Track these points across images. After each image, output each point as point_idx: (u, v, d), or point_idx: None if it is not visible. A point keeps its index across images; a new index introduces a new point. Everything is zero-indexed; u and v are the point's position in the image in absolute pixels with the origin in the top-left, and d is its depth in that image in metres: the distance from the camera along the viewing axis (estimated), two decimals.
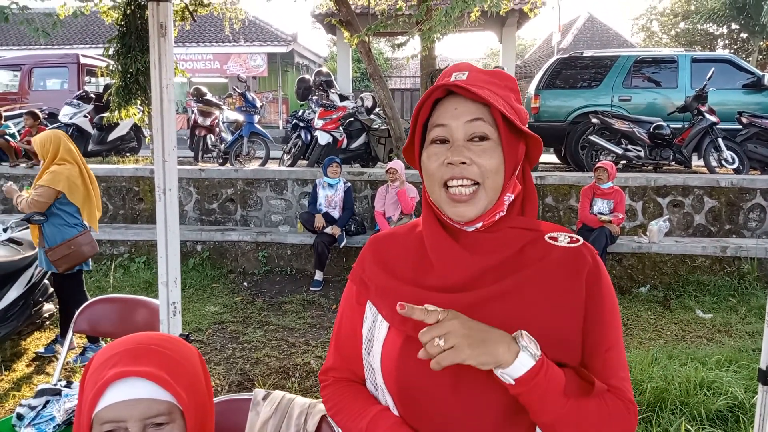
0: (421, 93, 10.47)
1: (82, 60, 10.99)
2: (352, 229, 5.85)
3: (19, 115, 8.77)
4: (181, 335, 2.13)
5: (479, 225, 0.93)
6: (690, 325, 4.60)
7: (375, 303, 0.99)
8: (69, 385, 2.31)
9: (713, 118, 6.91)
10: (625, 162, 7.29)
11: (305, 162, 7.88)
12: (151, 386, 0.89)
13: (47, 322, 4.39)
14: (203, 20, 16.82)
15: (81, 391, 0.94)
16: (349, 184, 5.93)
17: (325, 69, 9.12)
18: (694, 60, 8.09)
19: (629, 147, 7.23)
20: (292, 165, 7.81)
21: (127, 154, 9.75)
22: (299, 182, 6.50)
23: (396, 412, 0.95)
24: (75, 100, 9.03)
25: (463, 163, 0.89)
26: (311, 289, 5.47)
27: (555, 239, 0.95)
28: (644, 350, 3.81)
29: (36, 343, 4.16)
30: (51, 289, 4.26)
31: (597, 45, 20.01)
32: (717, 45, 22.09)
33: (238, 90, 8.84)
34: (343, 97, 8.31)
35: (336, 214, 5.75)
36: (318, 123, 7.51)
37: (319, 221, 5.56)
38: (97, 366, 0.92)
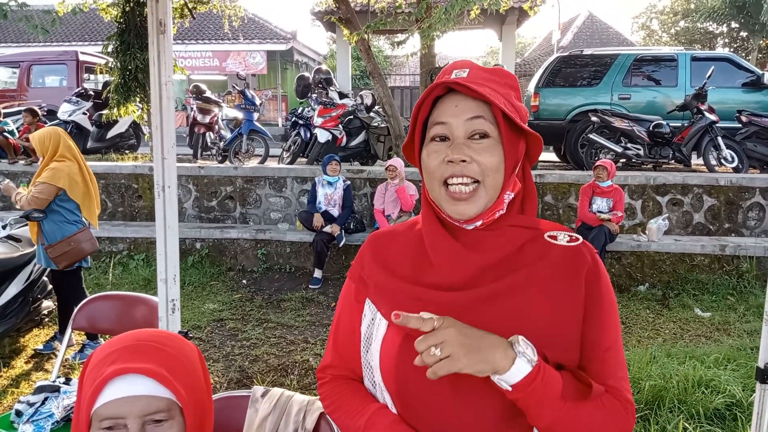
0: (420, 91, 10.46)
1: (81, 57, 10.96)
2: (352, 227, 5.85)
3: (18, 112, 8.76)
4: (180, 332, 2.13)
5: (479, 223, 0.93)
6: (688, 324, 4.61)
7: (374, 301, 0.99)
8: (68, 381, 2.32)
9: (713, 117, 6.91)
10: (624, 160, 7.29)
11: (304, 160, 7.88)
12: (151, 383, 0.89)
13: (46, 319, 4.39)
14: (202, 17, 16.80)
15: (80, 388, 0.94)
16: (349, 182, 5.92)
17: (324, 67, 9.11)
18: (694, 58, 8.09)
19: (629, 145, 7.24)
20: (291, 163, 7.81)
21: (126, 152, 9.74)
22: (298, 180, 6.50)
23: (394, 410, 0.95)
24: (74, 98, 9.03)
25: (464, 161, 0.89)
26: (310, 286, 5.48)
27: (554, 238, 0.95)
28: (643, 348, 3.82)
29: (35, 340, 4.16)
30: (50, 286, 4.25)
31: (597, 43, 20.02)
32: (717, 43, 22.09)
33: (237, 87, 8.84)
34: (342, 95, 8.30)
35: (335, 212, 5.74)
36: (317, 121, 7.51)
37: (317, 220, 5.56)
38: (96, 363, 0.92)
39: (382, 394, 0.97)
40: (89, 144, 9.09)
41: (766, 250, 5.47)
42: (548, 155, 10.09)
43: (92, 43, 16.82)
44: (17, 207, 3.72)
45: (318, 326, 4.53)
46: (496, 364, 0.80)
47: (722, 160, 6.92)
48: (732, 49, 20.87)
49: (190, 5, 7.48)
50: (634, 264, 5.66)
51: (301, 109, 8.53)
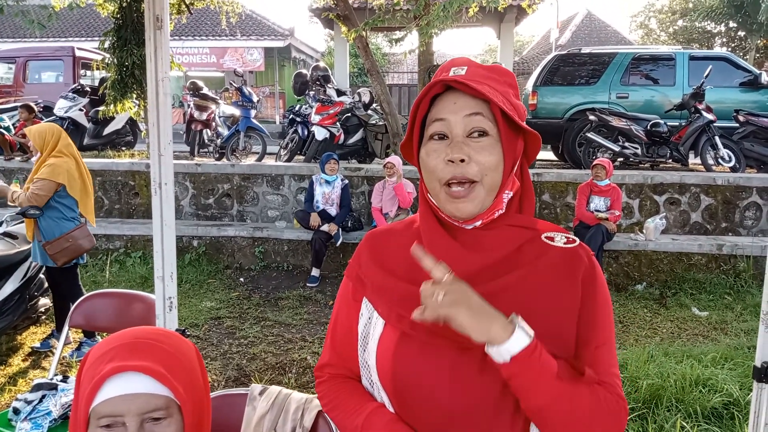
0: (418, 89, 10.45)
1: (78, 53, 10.93)
2: (349, 225, 5.84)
3: (14, 108, 8.72)
4: (177, 330, 2.12)
5: (478, 223, 0.93)
6: (686, 323, 4.62)
7: (371, 300, 0.99)
8: (65, 379, 2.31)
9: (710, 116, 6.93)
10: (622, 159, 7.30)
11: (302, 157, 7.87)
12: (149, 381, 0.89)
13: (43, 317, 4.38)
14: (200, 14, 16.75)
15: (77, 386, 0.94)
16: (347, 181, 5.91)
17: (322, 64, 9.10)
18: (692, 58, 8.11)
19: (626, 144, 7.25)
20: (288, 160, 7.80)
21: (123, 148, 9.71)
22: (296, 178, 6.49)
23: (391, 409, 0.95)
24: (70, 94, 8.99)
25: (462, 160, 0.88)
26: (308, 285, 5.47)
27: (552, 239, 0.95)
28: (640, 347, 3.83)
29: (32, 337, 4.15)
30: (46, 284, 4.24)
31: (595, 42, 20.03)
32: (715, 43, 22.12)
33: (234, 84, 8.81)
34: (340, 93, 8.30)
35: (333, 211, 5.73)
36: (315, 118, 7.50)
37: (314, 220, 5.54)
38: (94, 360, 0.91)
39: (379, 393, 0.97)
40: (86, 140, 9.06)
41: (763, 249, 5.49)
42: (546, 154, 10.09)
43: (89, 39, 16.73)
44: (12, 205, 3.69)
45: (316, 324, 4.52)
46: (493, 332, 0.80)
47: (719, 160, 6.93)
48: (730, 49, 20.91)
49: (188, 1, 7.45)
50: (632, 263, 5.67)
51: (298, 106, 8.51)
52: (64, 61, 10.83)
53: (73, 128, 8.70)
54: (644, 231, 5.79)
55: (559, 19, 20.52)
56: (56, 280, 3.83)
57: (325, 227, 5.53)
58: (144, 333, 0.96)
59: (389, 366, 0.92)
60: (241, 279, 5.69)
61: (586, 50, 8.73)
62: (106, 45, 7.12)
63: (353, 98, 8.18)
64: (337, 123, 7.62)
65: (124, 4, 6.82)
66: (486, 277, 0.91)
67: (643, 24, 24.60)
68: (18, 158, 7.03)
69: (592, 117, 7.37)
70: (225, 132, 8.71)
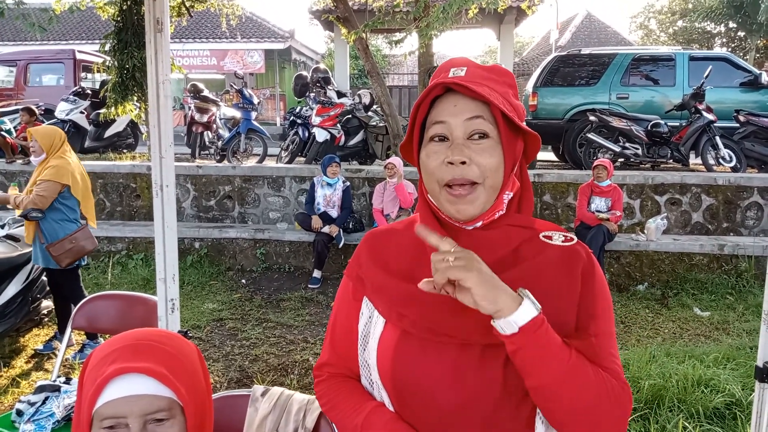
0: (419, 90, 10.46)
1: (79, 56, 10.94)
2: (350, 226, 5.85)
3: (15, 111, 8.73)
4: (179, 332, 2.13)
5: (479, 224, 0.93)
6: (688, 323, 4.61)
7: (371, 299, 0.99)
8: (68, 381, 2.31)
9: (711, 116, 6.92)
10: (622, 160, 7.30)
11: (303, 159, 7.87)
12: (152, 382, 0.89)
13: (45, 319, 4.38)
14: (200, 16, 16.78)
15: (80, 388, 0.94)
16: (348, 183, 5.92)
17: (322, 66, 9.11)
18: (692, 58, 8.10)
19: (627, 145, 7.25)
20: (289, 162, 7.80)
21: (124, 151, 9.72)
22: (297, 179, 6.49)
23: (391, 408, 0.95)
24: (71, 96, 9.00)
25: (463, 162, 0.88)
26: (309, 286, 5.47)
27: (549, 238, 0.95)
28: (642, 348, 3.82)
29: (35, 339, 4.15)
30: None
31: (595, 42, 20.03)
32: (714, 43, 22.12)
33: (235, 86, 8.82)
34: (340, 94, 8.30)
35: (334, 213, 5.74)
36: (315, 120, 7.50)
37: (316, 223, 5.54)
38: (97, 362, 0.92)
39: (379, 392, 0.97)
40: (87, 143, 9.07)
41: (765, 249, 5.49)
42: (547, 155, 10.10)
43: (89, 41, 16.78)
44: (13, 209, 3.68)
45: (317, 326, 4.52)
46: (501, 301, 0.79)
47: (720, 160, 6.93)
48: (730, 49, 20.90)
49: (188, 3, 7.47)
50: (633, 263, 5.67)
51: (299, 108, 8.52)
52: (65, 64, 10.84)
53: (75, 131, 8.71)
54: (645, 231, 5.79)
55: (558, 20, 20.54)
56: (58, 282, 3.83)
57: (326, 229, 5.53)
58: (146, 335, 0.96)
59: (389, 364, 0.93)
60: (243, 281, 5.69)
61: (586, 51, 8.73)
62: (107, 48, 7.12)
63: (354, 100, 8.18)
64: (338, 124, 7.62)
65: (125, 7, 6.83)
66: None
67: (643, 25, 24.60)
68: (19, 161, 7.05)
69: (592, 118, 7.36)
70: (226, 134, 8.72)
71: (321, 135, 7.47)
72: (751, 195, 6.09)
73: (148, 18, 2.04)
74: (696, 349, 3.81)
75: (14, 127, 7.96)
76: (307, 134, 7.81)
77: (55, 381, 2.31)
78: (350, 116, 7.79)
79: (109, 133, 9.37)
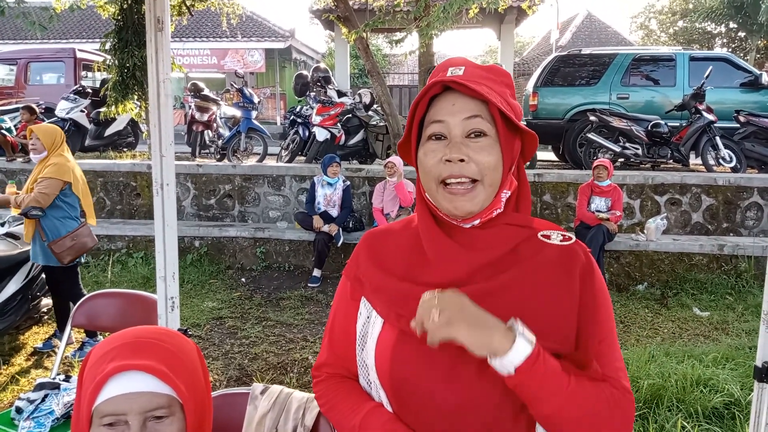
0: (419, 90, 10.44)
1: (79, 54, 10.93)
2: (350, 225, 5.85)
3: (16, 110, 8.73)
4: (179, 330, 2.13)
5: (476, 222, 0.94)
6: (687, 323, 4.62)
7: (369, 299, 0.99)
8: (68, 379, 2.31)
9: (711, 117, 6.92)
10: (622, 160, 7.30)
11: (303, 158, 7.87)
12: (151, 379, 0.89)
13: (45, 317, 4.38)
14: (200, 15, 16.77)
15: (79, 385, 0.94)
16: (348, 182, 5.92)
17: (323, 65, 9.11)
18: (692, 58, 8.10)
19: (627, 145, 7.25)
20: (289, 161, 7.81)
21: (125, 150, 9.72)
22: (297, 178, 6.49)
23: (390, 408, 0.95)
24: (72, 95, 9.00)
25: (461, 160, 0.89)
26: (309, 285, 5.47)
27: (548, 237, 0.95)
28: (641, 348, 3.83)
29: (34, 337, 4.16)
30: None
31: (595, 43, 20.03)
32: (715, 43, 22.11)
33: (235, 85, 8.82)
34: (341, 94, 8.30)
35: (334, 212, 5.74)
36: (316, 119, 7.50)
37: (317, 222, 5.54)
38: (96, 359, 0.92)
39: (377, 392, 0.97)
40: (87, 142, 9.07)
41: (764, 249, 5.49)
42: (547, 154, 10.09)
43: (90, 40, 16.77)
44: (15, 208, 3.68)
45: (317, 324, 4.53)
46: (495, 343, 0.80)
47: (720, 160, 6.93)
48: (730, 49, 20.90)
49: (188, 2, 7.47)
50: (633, 263, 5.67)
51: (299, 107, 8.52)
52: (66, 63, 10.84)
53: (75, 129, 8.71)
54: (645, 231, 5.79)
55: (559, 20, 20.53)
56: (57, 279, 3.84)
57: (325, 228, 5.54)
58: (146, 332, 0.96)
59: (388, 365, 0.92)
60: (243, 279, 5.69)
61: (586, 51, 8.73)
62: (107, 46, 7.13)
63: (354, 99, 8.18)
64: (338, 124, 7.62)
65: (125, 6, 6.83)
66: (484, 276, 0.91)
67: (644, 25, 24.59)
68: (20, 159, 7.05)
69: (592, 118, 7.37)
70: (226, 133, 8.73)
71: (321, 134, 7.47)
72: (751, 195, 6.10)
73: (148, 17, 2.05)
74: (695, 349, 3.81)
75: (14, 126, 7.96)
76: (307, 133, 7.82)
77: (54, 378, 2.31)
78: (350, 115, 7.79)
79: (109, 131, 9.38)
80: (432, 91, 0.93)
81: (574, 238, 0.96)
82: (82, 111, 8.90)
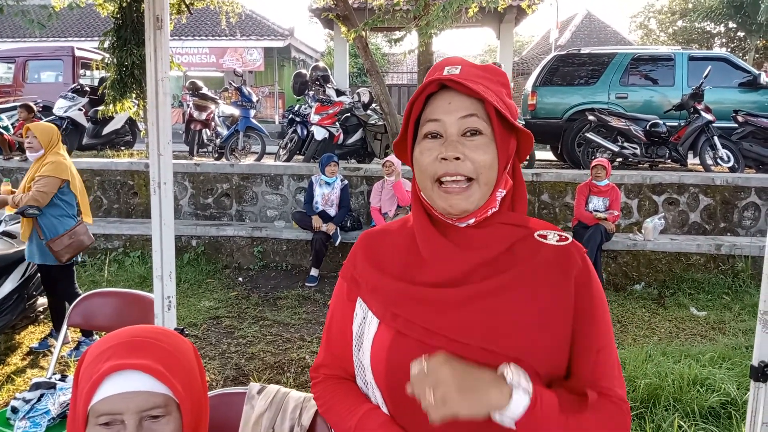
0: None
1: (77, 53, 10.91)
2: (348, 225, 5.84)
3: (13, 108, 8.70)
4: (176, 329, 2.13)
5: (471, 221, 0.94)
6: (684, 323, 4.62)
7: (365, 299, 0.99)
8: (64, 378, 2.31)
9: (709, 117, 6.93)
10: (621, 159, 7.31)
11: (301, 157, 7.87)
12: (147, 379, 0.89)
13: (41, 316, 4.38)
14: (199, 14, 16.74)
15: (75, 385, 0.94)
16: (346, 181, 5.91)
17: (321, 64, 9.10)
18: (691, 58, 8.11)
19: (625, 144, 7.25)
20: (288, 160, 7.80)
21: (122, 148, 9.70)
22: (295, 177, 6.49)
23: (385, 409, 0.95)
24: (70, 93, 8.97)
25: (457, 158, 0.89)
26: (306, 284, 5.47)
27: (544, 237, 0.95)
28: (638, 347, 3.83)
29: (30, 337, 4.15)
30: None
31: (594, 42, 20.05)
32: (714, 43, 22.13)
33: (234, 84, 8.80)
34: (339, 93, 8.30)
35: (332, 212, 5.73)
36: (314, 118, 7.49)
37: (317, 223, 5.54)
38: (92, 359, 0.92)
39: (373, 393, 0.97)
40: (85, 140, 9.04)
41: (761, 249, 5.49)
42: (545, 154, 10.10)
43: (88, 38, 16.72)
44: (14, 207, 3.66)
45: (314, 324, 4.52)
46: (493, 403, 0.79)
47: (718, 160, 6.94)
48: (729, 49, 20.92)
49: (188, 1, 7.46)
50: (630, 263, 5.68)
51: (298, 106, 8.51)
52: (64, 61, 10.81)
53: (73, 128, 8.69)
54: (643, 231, 5.79)
55: (558, 20, 20.54)
56: (54, 278, 3.83)
57: (323, 227, 5.53)
58: (142, 331, 0.96)
59: (383, 365, 0.92)
60: (240, 279, 5.69)
61: (585, 50, 8.74)
62: (106, 45, 7.11)
63: (352, 98, 8.18)
64: (337, 123, 7.61)
65: (124, 4, 6.82)
66: (481, 276, 0.91)
67: (643, 24, 24.61)
68: (17, 158, 7.03)
69: (591, 117, 7.37)
70: (224, 132, 8.71)
71: (320, 133, 7.46)
72: (749, 195, 6.11)
73: (147, 15, 2.04)
74: (692, 349, 3.82)
75: (12, 124, 7.94)
76: (305, 132, 7.81)
77: (50, 378, 2.31)
78: (349, 114, 7.78)
79: (107, 130, 9.35)
80: (428, 89, 0.93)
81: (570, 239, 0.96)
82: (80, 109, 8.87)
